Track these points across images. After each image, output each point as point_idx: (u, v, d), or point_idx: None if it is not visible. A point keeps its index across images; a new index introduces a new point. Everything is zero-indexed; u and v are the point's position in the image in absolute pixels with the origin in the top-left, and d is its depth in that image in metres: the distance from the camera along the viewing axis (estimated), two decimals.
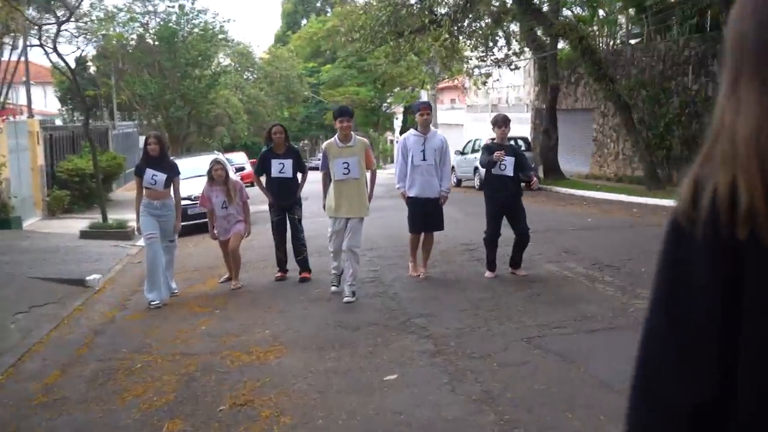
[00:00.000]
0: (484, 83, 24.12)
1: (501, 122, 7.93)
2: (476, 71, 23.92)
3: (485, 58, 22.97)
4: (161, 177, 7.85)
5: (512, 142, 8.77)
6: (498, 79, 25.77)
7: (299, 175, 8.62)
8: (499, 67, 23.44)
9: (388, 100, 42.72)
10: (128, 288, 8.92)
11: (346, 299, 7.16)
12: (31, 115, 20.39)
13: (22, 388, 5.30)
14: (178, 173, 8.20)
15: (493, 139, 8.25)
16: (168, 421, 4.40)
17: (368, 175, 7.66)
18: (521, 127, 24.81)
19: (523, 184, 8.19)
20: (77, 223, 14.98)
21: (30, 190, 17.20)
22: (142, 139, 30.35)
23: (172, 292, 8.18)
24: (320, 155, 8.44)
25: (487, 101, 30.95)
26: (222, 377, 5.19)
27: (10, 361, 5.99)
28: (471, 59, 23.66)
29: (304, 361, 5.42)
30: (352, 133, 7.55)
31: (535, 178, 8.14)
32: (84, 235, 13.50)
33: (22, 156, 16.74)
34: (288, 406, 4.50)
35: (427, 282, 7.98)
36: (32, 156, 17.53)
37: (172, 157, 8.92)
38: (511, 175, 7.82)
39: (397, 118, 44.59)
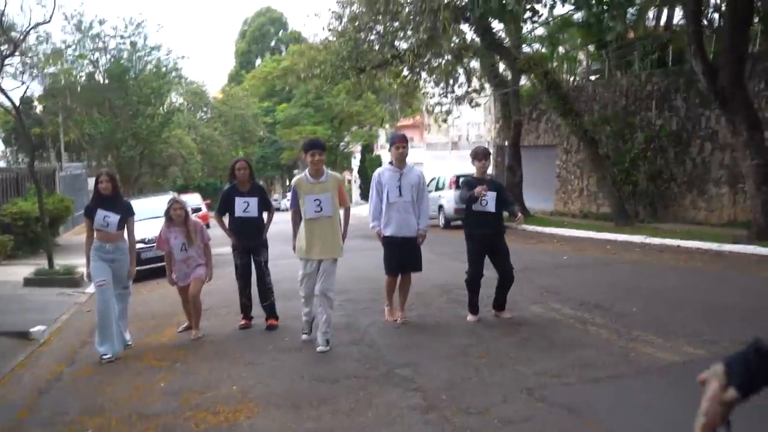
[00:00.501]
0: (445, 120, 23.99)
1: (481, 155, 7.60)
2: (437, 108, 23.78)
3: (446, 95, 22.83)
4: (114, 218, 7.28)
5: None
6: (458, 116, 25.67)
7: (265, 215, 8.11)
8: (460, 104, 23.34)
9: (346, 139, 42.53)
10: (77, 340, 8.19)
11: (320, 348, 6.57)
12: None
13: None
14: (133, 214, 7.65)
15: (472, 174, 7.86)
16: None
17: (341, 213, 7.16)
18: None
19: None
20: (21, 270, 14.12)
21: None
22: (91, 181, 29.45)
23: (126, 344, 7.51)
24: (276, 195, 7.94)
25: (447, 139, 30.89)
26: None
27: None
28: (432, 96, 23.55)
29: (279, 421, 4.82)
30: (324, 167, 7.04)
31: (519, 214, 7.73)
32: (28, 282, 12.68)
33: None
34: None
35: (406, 327, 7.45)
36: None
37: (124, 198, 8.27)
38: (493, 211, 7.43)
39: (354, 158, 44.40)
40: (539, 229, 18.38)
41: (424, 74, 21.04)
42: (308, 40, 26.02)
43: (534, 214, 21.65)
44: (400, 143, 7.65)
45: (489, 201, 7.37)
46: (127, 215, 7.48)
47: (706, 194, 16.35)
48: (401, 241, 7.55)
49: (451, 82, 22.16)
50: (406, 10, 17.14)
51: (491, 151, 26.69)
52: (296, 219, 7.07)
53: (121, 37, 25.09)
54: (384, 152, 38.49)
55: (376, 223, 7.67)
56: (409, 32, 18.14)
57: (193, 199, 25.66)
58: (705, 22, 13.01)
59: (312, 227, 6.83)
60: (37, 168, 21.15)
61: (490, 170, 23.16)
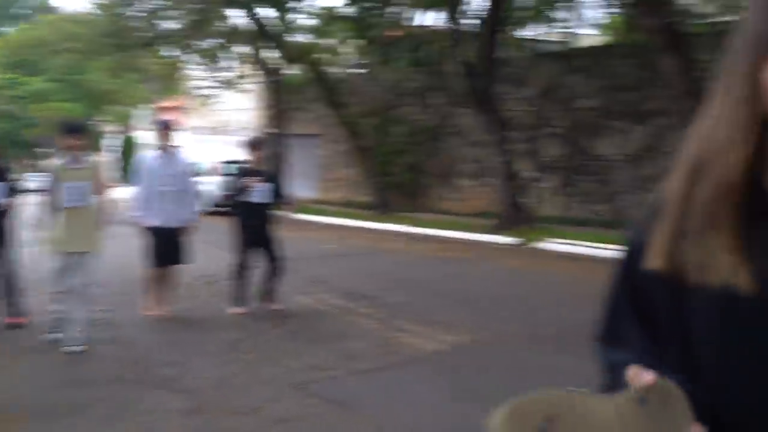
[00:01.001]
0: (208, 104, 23.34)
1: (257, 144, 7.54)
2: (200, 92, 23.04)
3: (212, 78, 22.18)
4: None
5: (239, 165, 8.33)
6: (224, 101, 25.06)
7: (2, 201, 7.08)
8: (227, 88, 22.81)
9: (102, 119, 39.81)
10: None
11: (74, 348, 5.96)
12: None
13: None
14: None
15: (247, 163, 7.64)
16: None
17: (101, 201, 6.55)
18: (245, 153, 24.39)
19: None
20: None
21: None
22: None
23: None
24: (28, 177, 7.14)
25: (211, 123, 30.03)
26: None
27: None
28: (197, 79, 22.75)
29: None
30: (84, 153, 6.37)
31: (293, 203, 7.73)
32: None
33: None
34: None
35: (170, 323, 7.01)
36: None
37: None
38: (266, 201, 7.29)
39: (110, 138, 41.76)
40: (304, 217, 18.48)
41: (195, 56, 20.23)
42: (58, 10, 23.93)
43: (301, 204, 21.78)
44: (167, 129, 7.20)
45: (261, 192, 7.22)
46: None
47: (457, 186, 17.45)
48: (168, 231, 7.12)
49: (217, 65, 21.57)
50: None
51: (259, 133, 26.58)
52: (49, 208, 6.33)
53: None
54: (142, 134, 36.65)
55: (141, 212, 7.14)
56: (178, 13, 17.32)
57: None
58: (463, 27, 13.78)
59: (70, 217, 6.17)
60: None
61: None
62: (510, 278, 9.58)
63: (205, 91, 23.19)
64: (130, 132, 39.86)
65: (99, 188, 6.37)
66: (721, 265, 0.90)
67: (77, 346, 5.98)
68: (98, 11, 17.52)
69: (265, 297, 7.46)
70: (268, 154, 23.08)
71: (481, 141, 14.26)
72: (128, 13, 17.13)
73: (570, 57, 14.60)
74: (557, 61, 14.65)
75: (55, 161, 6.45)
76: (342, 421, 4.37)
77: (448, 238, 13.23)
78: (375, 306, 7.49)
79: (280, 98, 21.51)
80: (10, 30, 47.95)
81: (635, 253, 1.03)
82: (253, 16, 17.70)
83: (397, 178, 18.88)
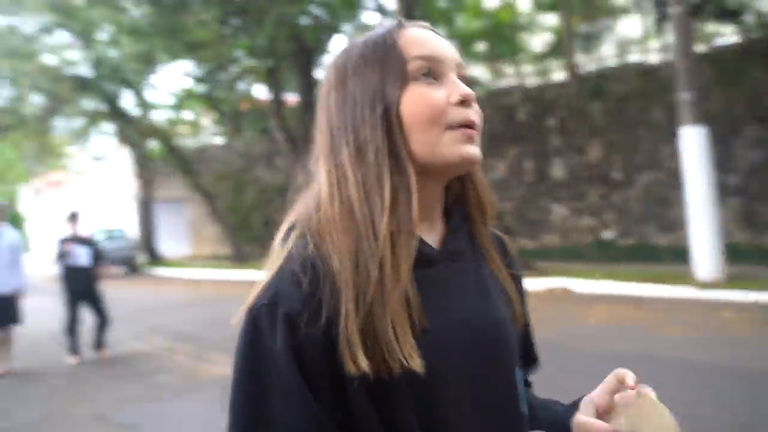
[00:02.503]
0: (81, 176, 23.09)
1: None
2: (74, 165, 22.80)
3: (83, 153, 22.04)
4: None
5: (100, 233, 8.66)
6: (98, 173, 24.79)
7: None
8: (97, 161, 22.68)
9: None
10: None
11: None
12: None
13: None
14: None
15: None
16: None
17: None
18: (128, 216, 24.27)
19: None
20: None
21: None
22: None
23: None
24: None
25: (92, 193, 29.42)
26: None
27: None
28: (70, 156, 22.50)
29: None
30: None
31: (109, 269, 8.15)
32: None
33: None
34: None
35: (8, 378, 7.17)
36: None
37: None
38: (86, 265, 7.74)
39: None
40: (170, 272, 18.64)
41: (63, 136, 20.08)
42: None
43: (171, 260, 21.80)
44: None
45: (81, 256, 7.70)
46: None
47: None
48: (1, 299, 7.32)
49: (85, 142, 21.47)
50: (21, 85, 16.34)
51: (134, 203, 26.40)
52: None
53: None
54: (25, 208, 35.21)
55: None
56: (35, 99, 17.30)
57: None
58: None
59: None
60: None
61: (134, 221, 22.43)
62: None
63: (79, 165, 22.98)
64: (17, 208, 38.19)
65: None
66: (396, 352, 0.82)
67: None
68: None
69: (97, 345, 7.79)
70: (140, 217, 23.19)
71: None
72: None
73: None
74: None
75: None
76: None
77: None
78: (196, 344, 7.94)
79: (145, 168, 21.67)
80: None
81: (309, 325, 0.84)
82: (106, 99, 17.88)
83: (254, 231, 19.37)
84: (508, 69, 16.84)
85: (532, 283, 10.04)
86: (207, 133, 23.64)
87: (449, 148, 0.91)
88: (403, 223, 0.87)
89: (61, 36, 17.10)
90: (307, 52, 13.31)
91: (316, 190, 0.93)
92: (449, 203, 1.03)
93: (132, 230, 22.67)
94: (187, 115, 22.37)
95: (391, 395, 0.85)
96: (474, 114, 0.94)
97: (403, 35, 0.94)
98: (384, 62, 0.92)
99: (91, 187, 28.93)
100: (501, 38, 15.77)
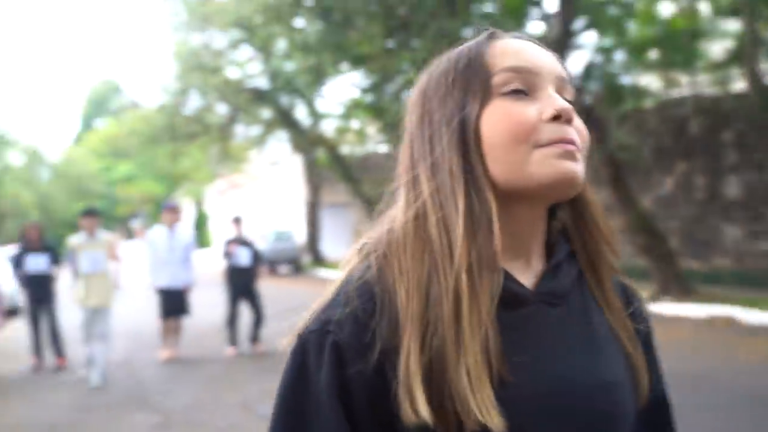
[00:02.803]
0: (257, 180, 24.87)
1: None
2: (252, 169, 24.64)
3: (259, 159, 23.75)
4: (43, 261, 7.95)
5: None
6: (272, 178, 26.57)
7: (54, 269, 8.27)
8: (272, 166, 24.30)
9: (179, 195, 42.05)
10: None
11: (93, 383, 6.91)
12: None
13: None
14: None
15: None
16: None
17: (114, 266, 7.57)
18: (297, 219, 25.82)
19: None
20: None
21: None
22: None
23: None
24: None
25: (266, 196, 31.56)
26: None
27: None
28: (248, 160, 24.31)
29: None
30: (98, 229, 7.44)
31: (263, 269, 8.74)
32: None
33: None
34: None
35: (174, 363, 7.95)
36: None
37: None
38: (247, 265, 8.33)
39: (184, 211, 43.87)
40: (331, 273, 19.47)
41: (233, 142, 21.81)
42: (142, 106, 25.87)
43: (330, 261, 22.86)
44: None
45: (242, 257, 8.35)
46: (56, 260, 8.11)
47: None
48: (173, 290, 8.09)
49: (262, 148, 23.10)
50: (206, 95, 17.96)
51: (303, 206, 27.99)
52: (75, 274, 7.39)
53: None
54: (211, 206, 38.44)
55: (153, 276, 8.14)
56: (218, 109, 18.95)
57: None
58: None
59: (88, 280, 7.17)
60: None
61: (302, 224, 23.73)
62: None
63: (256, 169, 24.79)
64: (202, 205, 41.83)
65: (112, 256, 7.45)
66: (472, 405, 0.70)
67: (97, 381, 6.96)
68: (159, 110, 19.29)
69: (252, 339, 8.38)
70: (307, 220, 24.51)
71: None
72: (180, 111, 18.81)
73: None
74: None
75: (76, 238, 7.43)
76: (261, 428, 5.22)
77: None
78: None
79: (314, 174, 22.87)
80: (104, 123, 51.26)
81: (358, 361, 0.75)
82: (281, 109, 19.10)
83: None
84: (682, 78, 15.73)
85: (692, 309, 9.34)
86: (372, 141, 24.46)
87: (541, 166, 0.77)
88: (484, 255, 0.75)
89: (244, 51, 18.55)
90: None
91: (393, 210, 0.85)
92: (554, 236, 0.88)
93: (299, 232, 24.00)
94: (354, 124, 23.29)
95: None
96: (573, 132, 0.80)
97: (494, 47, 0.83)
98: (466, 76, 0.81)
99: (266, 189, 31.03)
100: (675, 46, 14.79)
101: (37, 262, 8.10)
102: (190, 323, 8.86)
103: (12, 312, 13.11)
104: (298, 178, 27.33)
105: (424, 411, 0.71)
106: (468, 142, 0.79)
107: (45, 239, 8.50)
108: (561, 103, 0.79)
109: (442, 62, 0.86)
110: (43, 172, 40.23)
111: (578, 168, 0.79)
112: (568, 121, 0.79)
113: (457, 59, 0.84)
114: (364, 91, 18.79)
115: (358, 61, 15.45)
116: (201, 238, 39.78)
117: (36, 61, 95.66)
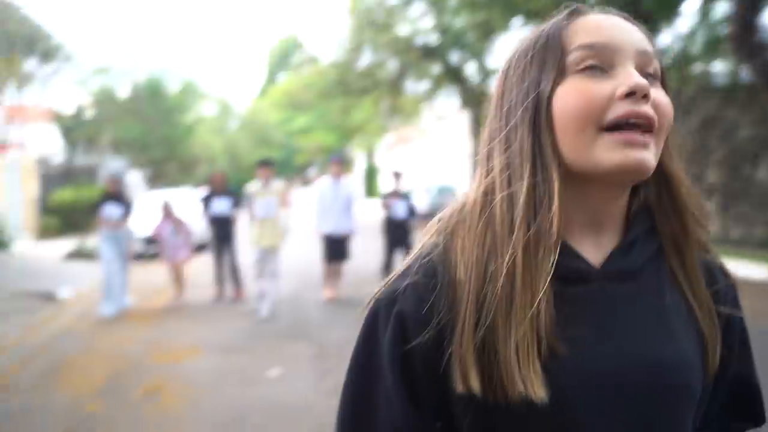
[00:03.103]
0: (425, 134, 25.26)
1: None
2: (421, 124, 25.09)
3: (428, 114, 24.10)
4: (118, 212, 8.41)
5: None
6: (439, 132, 26.84)
7: (235, 212, 9.03)
8: (440, 121, 24.55)
9: (352, 146, 43.77)
10: (91, 302, 9.38)
11: (262, 315, 7.67)
12: (26, 153, 20.78)
13: None
14: (132, 207, 8.75)
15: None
16: (91, 403, 5.01)
17: (284, 213, 8.16)
18: (462, 175, 26.01)
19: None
20: (63, 246, 15.38)
21: (21, 218, 17.60)
22: (130, 175, 30.53)
23: (125, 306, 8.59)
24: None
25: (434, 150, 32.00)
26: (143, 372, 5.81)
27: None
28: (419, 114, 24.76)
29: (211, 360, 6.05)
30: (272, 178, 8.03)
31: (421, 222, 8.99)
32: (67, 256, 13.96)
33: (15, 188, 17.18)
34: (186, 392, 5.15)
35: (334, 303, 8.58)
36: (25, 188, 17.96)
37: (152, 190, 9.57)
38: (402, 217, 8.69)
39: (356, 162, 45.52)
40: None
41: (402, 98, 22.21)
42: (321, 61, 27.17)
43: None
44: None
45: (399, 209, 8.70)
46: (127, 208, 8.56)
47: None
48: (336, 237, 8.68)
49: (430, 103, 23.39)
50: (377, 51, 18.43)
51: (468, 161, 28.01)
52: (251, 218, 8.09)
53: (158, 61, 26.79)
54: (381, 158, 39.58)
55: (319, 223, 8.75)
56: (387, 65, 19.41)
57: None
58: None
59: (262, 224, 7.84)
60: (83, 164, 22.43)
61: (466, 178, 23.78)
62: None
63: (424, 124, 25.21)
64: (372, 157, 43.28)
65: (284, 203, 8.09)
66: (516, 377, 0.73)
67: (266, 313, 7.72)
68: (333, 65, 20.18)
69: None
70: (471, 175, 24.51)
71: None
72: (353, 67, 19.52)
73: (730, 91, 14.12)
74: (718, 94, 14.22)
75: (253, 185, 8.12)
76: None
77: None
78: None
79: (480, 129, 22.83)
80: (285, 78, 54.14)
81: (419, 331, 0.78)
82: (449, 65, 19.14)
83: None
84: None
85: None
86: None
87: (606, 152, 0.76)
88: (542, 233, 0.75)
89: (416, 7, 18.75)
90: (642, 23, 12.54)
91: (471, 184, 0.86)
92: (633, 212, 0.86)
93: (463, 187, 24.16)
94: None
95: (502, 423, 0.77)
96: (647, 109, 0.77)
97: (575, 24, 0.81)
98: (543, 54, 0.80)
99: (433, 144, 31.43)
100: None
101: (220, 205, 8.92)
102: (351, 267, 9.43)
103: (200, 247, 14.68)
104: (465, 134, 27.38)
105: (475, 384, 0.75)
106: (540, 120, 0.79)
107: (229, 185, 9.39)
108: (637, 80, 0.76)
109: (526, 39, 0.86)
110: (231, 122, 43.72)
111: (644, 156, 0.77)
112: (645, 98, 0.76)
113: (538, 37, 0.83)
114: None
115: (530, 16, 15.06)
116: (370, 188, 41.27)
117: (226, 19, 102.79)
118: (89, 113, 26.98)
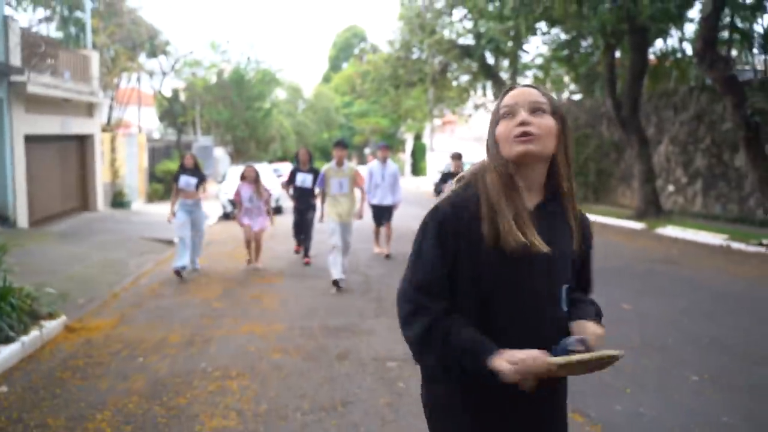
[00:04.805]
0: (466, 121, 26.55)
1: (455, 157, 9.24)
2: (462, 112, 26.45)
3: (466, 103, 25.41)
4: (193, 181, 8.30)
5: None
6: (475, 119, 28.10)
7: (316, 189, 8.92)
8: (477, 110, 25.83)
9: (402, 129, 45.12)
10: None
11: (338, 276, 7.45)
12: (139, 131, 23.10)
13: (139, 292, 7.64)
14: (206, 179, 8.61)
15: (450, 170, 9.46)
16: (215, 302, 6.91)
17: (358, 192, 8.18)
18: None
19: None
20: (166, 208, 17.44)
21: (137, 184, 19.89)
22: (216, 150, 32.78)
23: (195, 269, 8.71)
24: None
25: (473, 134, 33.24)
26: (247, 287, 7.69)
27: (130, 279, 8.39)
28: (460, 104, 26.06)
29: (291, 283, 7.88)
30: (345, 160, 7.86)
31: None
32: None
33: (133, 160, 19.45)
34: (277, 299, 6.99)
35: (389, 261, 9.38)
36: (139, 160, 20.22)
37: (234, 165, 10.41)
38: None
39: (406, 143, 46.85)
40: None
41: (444, 91, 23.50)
42: (381, 50, 28.54)
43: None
44: (383, 149, 9.96)
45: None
46: (202, 179, 8.40)
47: (629, 185, 18.50)
48: (382, 206, 9.72)
49: (470, 94, 24.68)
50: (424, 51, 19.87)
51: None
52: (323, 195, 8.12)
53: (241, 53, 28.86)
54: (427, 140, 40.87)
55: (369, 195, 9.64)
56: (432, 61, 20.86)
57: (285, 168, 29.00)
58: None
59: (336, 200, 7.71)
60: (181, 140, 24.55)
61: None
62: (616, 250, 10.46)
63: (465, 112, 26.57)
64: (421, 138, 44.56)
65: (357, 183, 7.94)
66: (522, 234, 1.37)
67: (338, 277, 7.47)
68: (387, 60, 21.69)
69: None
70: None
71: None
72: (399, 62, 20.98)
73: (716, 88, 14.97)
74: (708, 91, 15.06)
75: (327, 166, 7.95)
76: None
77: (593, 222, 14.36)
78: None
79: None
80: (347, 66, 55.57)
81: (450, 226, 1.42)
82: (482, 63, 20.44)
83: (588, 179, 20.33)
84: None
85: None
86: (566, 90, 24.85)
87: (512, 149, 1.42)
88: (508, 182, 1.43)
89: (457, 13, 20.09)
90: (639, 32, 13.65)
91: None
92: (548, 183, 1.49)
93: None
94: (551, 73, 23.80)
95: (506, 267, 1.40)
96: (526, 128, 1.40)
97: (507, 94, 1.48)
98: (495, 110, 1.48)
99: (471, 129, 32.67)
100: None
101: (303, 179, 9.16)
102: (406, 230, 9.94)
103: (277, 210, 16.52)
104: None
105: (491, 239, 1.38)
106: (495, 139, 1.48)
107: (312, 162, 9.48)
108: (521, 117, 1.41)
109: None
110: (300, 105, 45.67)
111: (529, 147, 1.40)
112: (523, 124, 1.40)
113: (497, 101, 1.50)
114: (560, 46, 19.44)
115: (552, 22, 16.25)
116: (417, 166, 42.68)
117: (297, 11, 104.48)
118: (183, 98, 29.29)
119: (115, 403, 4.08)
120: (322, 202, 8.12)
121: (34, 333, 5.31)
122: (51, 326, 5.62)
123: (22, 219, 12.07)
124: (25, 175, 12.26)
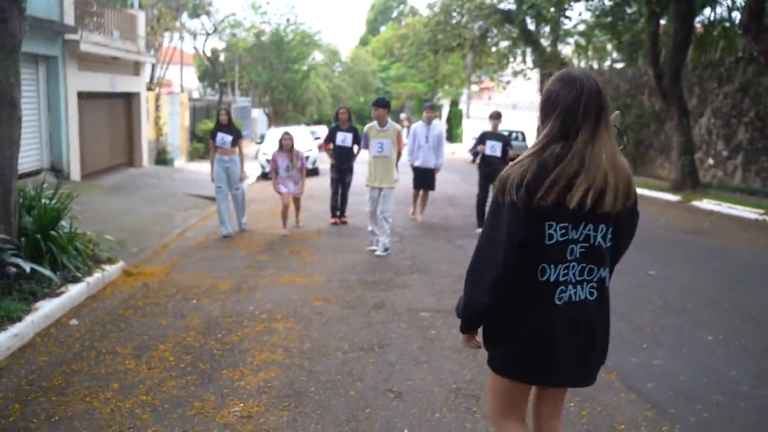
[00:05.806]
0: (504, 88, 26.40)
1: (494, 116, 8.72)
2: (500, 78, 26.30)
3: (505, 69, 25.25)
4: (229, 138, 8.25)
5: (507, 133, 9.81)
6: (514, 86, 27.93)
7: (355, 147, 9.11)
8: (515, 77, 25.65)
9: (439, 94, 44.99)
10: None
11: (378, 253, 7.41)
12: (181, 90, 23.67)
13: (186, 244, 8.16)
14: (242, 136, 8.52)
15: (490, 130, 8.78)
16: (259, 254, 7.39)
17: (396, 154, 7.53)
18: (532, 123, 27.13)
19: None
20: (206, 166, 18.04)
21: (179, 142, 20.55)
22: (254, 111, 33.24)
23: (243, 227, 8.84)
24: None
25: (509, 101, 33.04)
26: (288, 243, 8.15)
27: (177, 232, 8.98)
28: (499, 70, 25.91)
29: (330, 239, 8.32)
30: (387, 119, 7.37)
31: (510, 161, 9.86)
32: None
33: (175, 119, 20.05)
34: (317, 254, 7.45)
35: (423, 224, 9.60)
36: (181, 119, 20.83)
37: (273, 127, 10.87)
38: (498, 155, 8.45)
39: (442, 108, 46.74)
40: None
41: (483, 56, 23.36)
42: (421, 14, 28.38)
43: None
44: (428, 110, 9.76)
45: (496, 148, 8.47)
46: (238, 137, 8.35)
47: (668, 156, 18.37)
48: (424, 170, 9.58)
49: (509, 60, 24.50)
50: (464, 15, 19.78)
51: (535, 112, 28.92)
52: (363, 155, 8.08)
53: (281, 15, 29.04)
54: (463, 107, 40.74)
55: (411, 157, 9.75)
56: (471, 27, 20.75)
57: (321, 130, 29.39)
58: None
59: (375, 163, 7.30)
60: (221, 101, 25.06)
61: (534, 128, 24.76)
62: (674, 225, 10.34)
63: (501, 78, 26.41)
64: (458, 104, 44.42)
65: (396, 145, 7.45)
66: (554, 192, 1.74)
67: (381, 252, 7.43)
68: (426, 24, 21.66)
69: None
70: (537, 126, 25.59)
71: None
72: (438, 27, 20.92)
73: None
74: (756, 63, 14.82)
75: (369, 125, 7.47)
76: None
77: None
78: None
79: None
80: (385, 29, 55.29)
81: (516, 193, 1.75)
82: (523, 29, 20.28)
83: (626, 149, 20.20)
84: None
85: None
86: (608, 58, 24.49)
87: None
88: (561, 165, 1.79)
89: None
90: (684, 0, 13.42)
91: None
92: None
93: (532, 136, 25.38)
94: (594, 41, 23.49)
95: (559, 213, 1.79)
96: None
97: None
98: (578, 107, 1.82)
99: (510, 97, 32.45)
100: None
101: (344, 138, 9.11)
102: (439, 195, 10.41)
103: (314, 171, 16.97)
104: (534, 89, 28.34)
105: (547, 202, 1.78)
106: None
107: (351, 121, 9.37)
108: None
109: (554, 90, 1.88)
110: (337, 68, 45.76)
111: None
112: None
113: (569, 94, 1.85)
114: (604, 13, 19.17)
115: None
116: (452, 133, 42.67)
117: None
118: (223, 58, 29.72)
119: (175, 336, 4.57)
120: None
121: (97, 275, 5.85)
122: (111, 270, 6.16)
123: (75, 172, 12.73)
124: (78, 131, 12.87)
